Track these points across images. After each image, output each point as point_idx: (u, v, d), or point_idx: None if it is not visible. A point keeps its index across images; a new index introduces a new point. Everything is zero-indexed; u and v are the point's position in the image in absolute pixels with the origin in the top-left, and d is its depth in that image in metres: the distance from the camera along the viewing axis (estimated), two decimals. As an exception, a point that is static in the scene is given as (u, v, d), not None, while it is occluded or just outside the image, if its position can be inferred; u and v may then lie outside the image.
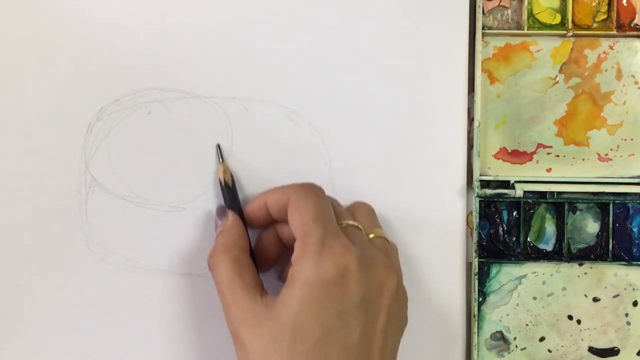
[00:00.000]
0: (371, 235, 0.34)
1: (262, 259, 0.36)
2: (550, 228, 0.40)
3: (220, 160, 0.37)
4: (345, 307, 0.30)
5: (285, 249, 0.36)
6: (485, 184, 0.39)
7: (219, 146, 0.37)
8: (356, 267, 0.31)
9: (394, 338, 0.33)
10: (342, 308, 0.30)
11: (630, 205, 0.40)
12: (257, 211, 0.35)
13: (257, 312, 0.31)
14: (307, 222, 0.32)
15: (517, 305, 0.39)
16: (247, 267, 0.33)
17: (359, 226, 0.34)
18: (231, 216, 0.35)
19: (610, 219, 0.39)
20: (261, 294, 0.32)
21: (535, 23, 0.39)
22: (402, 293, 0.34)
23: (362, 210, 0.36)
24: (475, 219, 0.38)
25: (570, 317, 0.39)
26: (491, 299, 0.39)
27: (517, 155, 0.40)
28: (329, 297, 0.30)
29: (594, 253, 0.40)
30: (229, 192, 0.36)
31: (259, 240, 0.36)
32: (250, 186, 0.38)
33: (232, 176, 0.37)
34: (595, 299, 0.39)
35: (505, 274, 0.39)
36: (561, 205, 0.39)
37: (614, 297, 0.39)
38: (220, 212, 0.36)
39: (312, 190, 0.34)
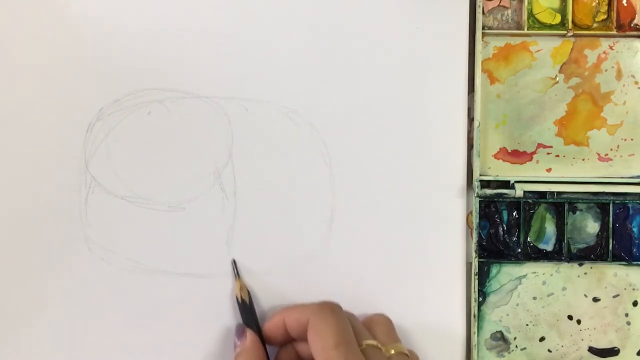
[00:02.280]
0: (392, 352, 0.34)
1: None
2: (550, 228, 0.40)
3: (237, 276, 0.37)
4: None
5: None
6: (485, 184, 0.39)
7: (234, 262, 0.37)
8: None
9: None
10: None
11: (630, 205, 0.40)
12: (276, 330, 0.35)
13: None
14: (328, 348, 0.32)
15: (517, 305, 0.39)
16: None
17: (379, 345, 0.34)
18: (250, 336, 0.35)
19: (610, 219, 0.39)
20: None
21: (535, 23, 0.39)
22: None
23: (380, 325, 0.36)
24: (475, 219, 0.38)
25: (570, 317, 0.39)
26: (491, 299, 0.39)
27: (517, 155, 0.40)
28: None
29: (594, 253, 0.40)
30: (247, 309, 0.36)
31: (277, 358, 0.36)
32: (251, 190, 0.38)
33: (249, 293, 0.37)
34: (595, 299, 0.39)
35: (505, 274, 0.39)
36: (561, 205, 0.39)
37: (614, 297, 0.39)
38: (240, 332, 0.36)
39: (332, 312, 0.33)
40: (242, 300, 0.37)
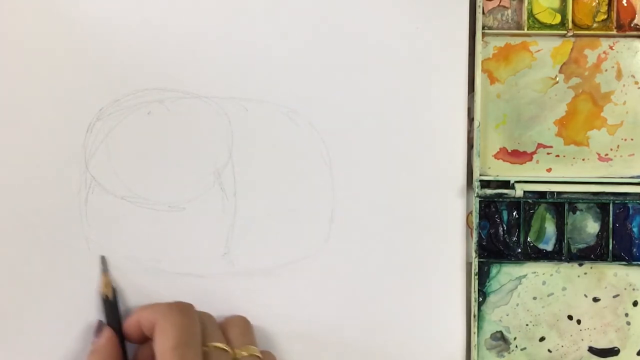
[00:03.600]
0: (244, 354, 0.34)
1: None
2: (550, 228, 0.40)
3: (103, 271, 0.37)
4: None
5: None
6: (485, 184, 0.39)
7: (103, 258, 0.37)
8: None
9: None
10: None
11: (630, 205, 0.40)
12: (133, 329, 0.35)
13: None
14: (167, 349, 0.32)
15: (517, 305, 0.39)
16: None
17: (226, 347, 0.34)
18: (106, 333, 0.35)
19: (610, 219, 0.39)
20: None
21: (535, 23, 0.39)
22: None
23: (234, 327, 0.36)
24: (475, 219, 0.38)
25: (570, 317, 0.39)
26: (491, 299, 0.39)
27: (517, 155, 0.40)
28: None
29: (594, 253, 0.40)
30: (109, 306, 0.36)
31: (135, 357, 0.36)
32: (251, 190, 0.38)
33: (113, 289, 0.37)
34: (595, 299, 0.39)
35: (505, 274, 0.39)
36: (561, 205, 0.39)
37: (614, 297, 0.39)
38: (97, 329, 0.36)
39: (179, 312, 0.34)
40: (106, 297, 0.36)
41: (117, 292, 0.37)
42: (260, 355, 0.35)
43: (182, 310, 0.34)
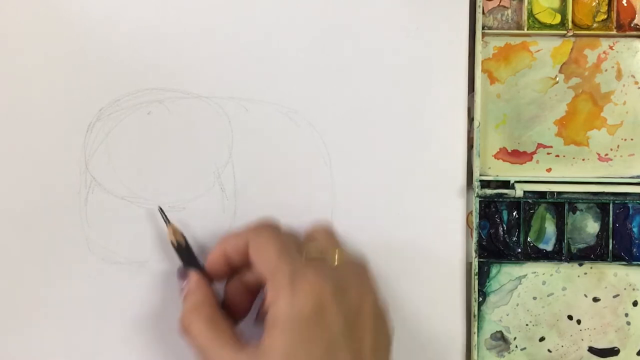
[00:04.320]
0: (336, 256, 0.34)
1: (234, 310, 0.35)
2: (550, 228, 0.40)
3: (167, 222, 0.36)
4: (330, 339, 0.30)
5: (254, 294, 0.35)
6: (485, 184, 0.39)
7: (161, 209, 0.37)
8: (330, 297, 0.30)
9: (385, 353, 0.33)
10: (327, 341, 0.30)
11: (630, 205, 0.40)
12: (218, 263, 0.35)
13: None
14: (271, 260, 0.31)
15: (517, 305, 0.39)
16: (222, 322, 0.33)
17: (323, 256, 0.33)
18: (193, 275, 0.34)
19: (610, 219, 0.39)
20: (242, 346, 0.31)
21: (535, 23, 0.39)
22: (380, 309, 0.33)
23: (322, 233, 0.35)
24: (475, 219, 0.38)
25: (570, 317, 0.39)
26: (491, 299, 0.39)
27: (517, 155, 0.40)
28: (311, 334, 0.30)
29: (594, 253, 0.40)
30: (185, 252, 0.36)
31: (226, 293, 0.35)
32: (251, 190, 0.38)
33: (183, 235, 0.36)
34: (595, 299, 0.39)
35: (505, 274, 0.39)
36: (561, 205, 0.39)
37: (614, 297, 0.39)
38: (182, 274, 0.35)
39: (269, 228, 0.34)
40: (178, 243, 0.36)
41: (186, 237, 0.36)
42: (352, 257, 0.34)
43: (271, 225, 0.34)
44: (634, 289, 0.39)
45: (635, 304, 0.39)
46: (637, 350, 0.39)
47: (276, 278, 0.31)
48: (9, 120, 0.38)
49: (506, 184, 0.39)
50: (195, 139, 0.38)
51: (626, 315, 0.39)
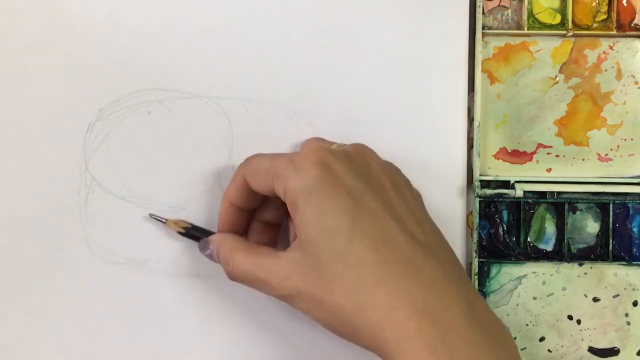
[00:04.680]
0: (333, 146, 0.34)
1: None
2: (550, 228, 0.40)
3: (164, 221, 0.37)
4: (348, 186, 0.30)
5: (277, 231, 0.36)
6: (485, 184, 0.39)
7: (151, 215, 0.37)
8: (330, 155, 0.31)
9: (415, 203, 0.33)
10: (346, 188, 0.30)
11: (630, 205, 0.40)
12: (229, 215, 0.35)
13: (291, 259, 0.31)
14: (268, 168, 0.32)
15: (517, 305, 0.39)
16: (258, 247, 0.33)
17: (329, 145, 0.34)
18: (215, 236, 0.35)
19: (610, 219, 0.39)
20: (285, 249, 0.32)
21: (535, 23, 0.39)
22: (387, 163, 0.34)
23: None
24: (475, 219, 0.38)
25: (570, 317, 0.39)
26: (491, 299, 0.39)
27: (517, 155, 0.40)
28: (329, 188, 0.30)
29: (594, 253, 0.40)
30: (194, 231, 0.36)
31: (248, 239, 0.36)
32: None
33: (184, 221, 0.37)
34: (595, 299, 0.39)
35: (505, 274, 0.39)
36: (561, 205, 0.39)
37: (614, 297, 0.39)
38: (203, 246, 0.35)
39: (257, 154, 0.34)
40: (186, 229, 0.36)
41: (187, 221, 0.37)
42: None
43: (257, 154, 0.35)
44: (634, 289, 0.39)
45: (635, 304, 0.39)
46: (637, 350, 0.39)
47: (278, 175, 0.31)
48: (9, 120, 0.38)
49: (506, 184, 0.39)
50: (195, 139, 0.38)
51: (626, 315, 0.39)
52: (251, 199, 0.34)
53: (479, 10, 0.38)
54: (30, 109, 0.38)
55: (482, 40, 0.39)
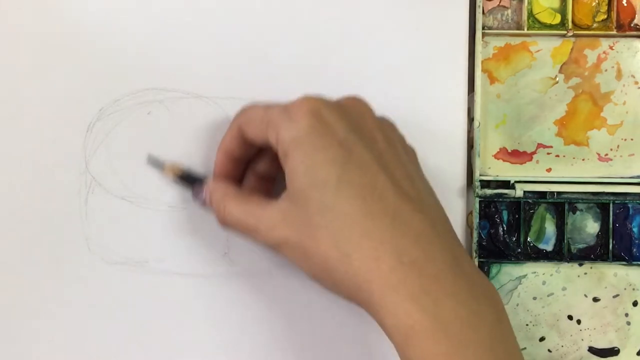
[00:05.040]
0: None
1: None
2: (550, 228, 0.40)
3: (161, 167, 0.37)
4: (339, 137, 0.30)
5: (272, 182, 0.36)
6: (485, 184, 0.39)
7: (150, 158, 0.37)
8: (324, 105, 0.31)
9: (408, 158, 0.33)
10: (337, 138, 0.30)
11: (630, 205, 0.40)
12: (224, 164, 0.35)
13: (280, 208, 0.31)
14: (262, 117, 0.32)
15: (517, 305, 0.39)
16: (250, 195, 0.33)
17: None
18: (209, 183, 0.35)
19: (610, 219, 0.39)
20: (277, 199, 0.32)
21: (535, 23, 0.39)
22: (383, 118, 0.34)
23: None
24: (475, 219, 0.38)
25: (570, 317, 0.39)
26: (491, 299, 0.39)
27: (517, 155, 0.40)
28: (320, 138, 0.30)
29: (594, 253, 0.40)
30: (189, 177, 0.37)
31: (244, 188, 0.36)
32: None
33: (179, 166, 0.37)
34: (595, 299, 0.39)
35: (505, 274, 0.39)
36: (561, 205, 0.39)
37: (614, 297, 0.39)
38: (197, 192, 0.35)
39: (252, 104, 0.34)
40: (181, 173, 0.37)
41: (182, 166, 0.37)
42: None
43: (254, 104, 0.34)
44: (634, 289, 0.39)
45: (635, 304, 0.39)
46: (637, 350, 0.39)
47: (272, 124, 0.31)
48: (9, 120, 0.38)
49: (506, 184, 0.39)
50: (195, 139, 0.38)
51: (626, 315, 0.39)
52: (246, 149, 0.34)
53: (479, 10, 0.38)
54: (30, 108, 0.38)
55: (482, 40, 0.39)
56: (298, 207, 0.30)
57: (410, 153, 0.34)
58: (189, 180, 0.37)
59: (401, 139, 0.34)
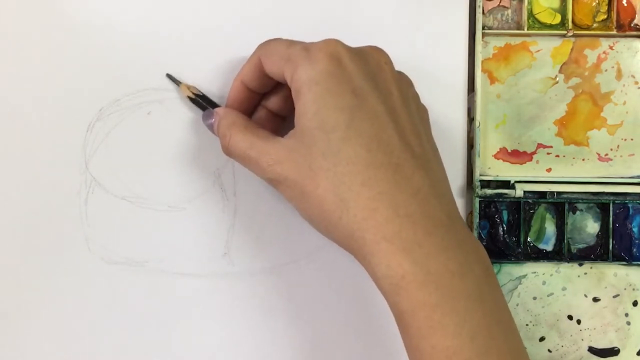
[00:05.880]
0: None
1: None
2: (550, 228, 0.40)
3: (178, 83, 0.37)
4: (354, 84, 0.30)
5: (279, 125, 0.36)
6: (485, 184, 0.39)
7: (169, 75, 0.37)
8: (345, 50, 0.31)
9: (419, 116, 0.33)
10: (352, 86, 0.30)
11: (630, 205, 0.40)
12: (239, 92, 0.35)
13: (285, 145, 0.31)
14: (283, 53, 0.32)
15: (517, 305, 0.39)
16: (257, 128, 0.33)
17: None
18: (220, 108, 0.35)
19: (610, 219, 0.39)
20: (283, 136, 0.32)
21: (535, 23, 0.39)
22: (401, 72, 0.34)
23: None
24: (475, 219, 0.38)
25: (570, 317, 0.39)
26: (491, 299, 0.39)
27: (517, 155, 0.40)
28: (335, 82, 0.30)
29: (594, 253, 0.40)
30: (203, 99, 0.37)
31: (253, 121, 0.36)
32: (251, 190, 0.38)
33: (195, 88, 0.37)
34: (595, 299, 0.39)
35: (505, 274, 0.39)
36: (561, 205, 0.39)
37: (614, 297, 0.39)
38: (207, 115, 0.35)
39: (275, 38, 0.34)
40: (195, 95, 0.37)
41: (199, 89, 0.37)
42: None
43: (275, 39, 0.34)
44: (634, 289, 0.39)
45: (635, 304, 0.39)
46: (637, 350, 0.39)
47: (291, 60, 0.31)
48: (9, 120, 0.38)
49: (506, 184, 0.39)
50: (195, 139, 0.38)
51: (626, 315, 0.39)
52: (263, 82, 0.34)
53: (479, 10, 0.38)
54: (31, 108, 0.38)
55: (482, 40, 0.39)
56: (303, 147, 0.30)
57: (422, 111, 0.34)
58: (203, 102, 0.37)
59: (415, 97, 0.34)
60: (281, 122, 0.36)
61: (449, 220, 0.30)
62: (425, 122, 0.34)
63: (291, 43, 0.32)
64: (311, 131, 0.30)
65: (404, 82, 0.34)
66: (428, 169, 0.31)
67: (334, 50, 0.31)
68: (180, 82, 0.37)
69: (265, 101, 0.36)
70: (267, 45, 0.34)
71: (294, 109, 0.31)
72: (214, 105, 0.36)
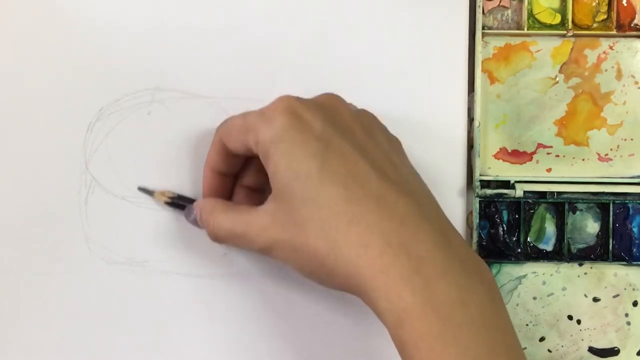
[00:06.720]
0: None
1: None
2: (550, 228, 0.40)
3: (151, 193, 0.37)
4: (316, 131, 0.30)
5: (261, 194, 0.36)
6: (485, 184, 0.39)
7: (140, 188, 0.38)
8: (299, 103, 0.31)
9: (390, 146, 0.33)
10: (314, 133, 0.30)
11: (630, 205, 0.40)
12: (212, 181, 0.35)
13: (266, 210, 0.31)
14: (240, 126, 0.32)
15: (517, 305, 0.39)
16: (237, 205, 0.34)
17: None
18: (199, 201, 0.35)
19: (610, 219, 0.39)
20: (259, 206, 0.32)
21: (535, 23, 0.39)
22: (361, 110, 0.34)
23: None
24: (475, 219, 0.38)
25: (570, 317, 0.39)
26: (491, 299, 0.39)
27: (517, 155, 0.40)
28: (297, 133, 0.30)
29: (594, 253, 0.40)
30: (180, 200, 0.37)
31: (238, 191, 0.37)
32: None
33: (169, 192, 0.37)
34: (595, 299, 0.39)
35: (505, 274, 0.39)
36: (561, 205, 0.39)
37: (614, 297, 0.39)
38: (188, 212, 0.36)
39: (228, 118, 0.35)
40: (171, 198, 0.37)
41: (172, 192, 0.37)
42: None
43: (230, 117, 0.35)
44: (634, 289, 0.39)
45: (635, 304, 0.39)
46: (637, 350, 0.39)
47: (250, 129, 0.32)
48: (9, 120, 0.38)
49: (506, 184, 0.39)
50: (195, 139, 0.38)
51: (626, 315, 0.39)
52: (231, 162, 0.35)
53: (479, 10, 0.38)
54: (31, 109, 0.38)
55: (482, 40, 0.39)
56: (284, 205, 0.30)
57: (393, 142, 0.34)
58: (181, 202, 0.37)
59: (382, 129, 0.34)
60: (261, 196, 0.36)
61: (444, 241, 0.29)
62: (398, 151, 0.34)
63: (245, 114, 0.33)
64: (287, 185, 0.30)
65: (364, 118, 0.34)
66: (411, 193, 0.31)
67: (287, 105, 0.31)
68: (154, 191, 0.37)
69: (240, 181, 0.36)
70: (224, 125, 0.34)
71: (268, 178, 0.31)
72: (191, 201, 0.36)
